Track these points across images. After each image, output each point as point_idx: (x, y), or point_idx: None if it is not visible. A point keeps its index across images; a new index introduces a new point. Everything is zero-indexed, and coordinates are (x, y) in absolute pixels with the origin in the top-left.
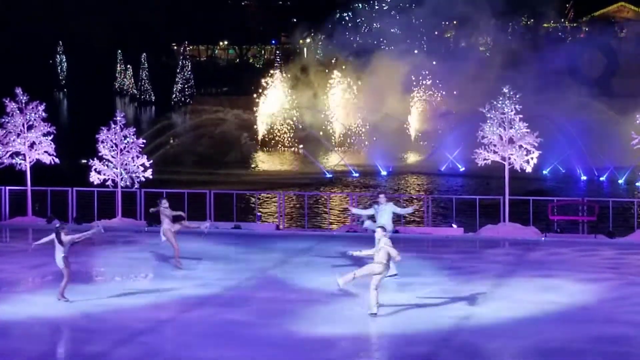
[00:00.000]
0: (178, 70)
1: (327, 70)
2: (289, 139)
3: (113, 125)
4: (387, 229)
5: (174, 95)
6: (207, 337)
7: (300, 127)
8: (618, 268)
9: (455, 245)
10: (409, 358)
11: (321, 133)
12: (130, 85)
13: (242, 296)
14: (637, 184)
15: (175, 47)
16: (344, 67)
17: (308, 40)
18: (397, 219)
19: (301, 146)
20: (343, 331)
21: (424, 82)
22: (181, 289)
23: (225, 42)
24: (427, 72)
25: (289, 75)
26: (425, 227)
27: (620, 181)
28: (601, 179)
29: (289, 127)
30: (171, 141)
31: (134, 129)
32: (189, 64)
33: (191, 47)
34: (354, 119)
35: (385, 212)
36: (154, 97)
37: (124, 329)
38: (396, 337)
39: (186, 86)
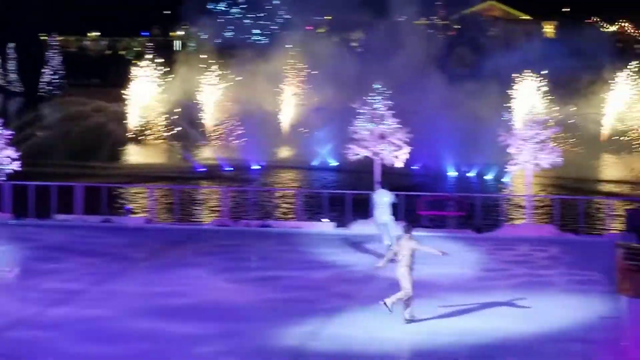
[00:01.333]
0: (47, 61)
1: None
2: (161, 132)
3: None
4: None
5: (42, 87)
6: (73, 332)
7: (173, 120)
8: (485, 262)
9: (326, 240)
10: (279, 351)
11: (194, 127)
12: None
13: (109, 290)
14: (503, 180)
15: (44, 38)
16: (216, 60)
17: (180, 32)
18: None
19: (173, 140)
20: (211, 326)
21: (297, 77)
22: (48, 282)
23: (96, 33)
24: (299, 67)
25: (160, 68)
26: (296, 222)
27: (488, 177)
28: (469, 174)
29: (161, 120)
30: (39, 133)
31: (1, 120)
32: (58, 55)
33: (61, 38)
34: (226, 113)
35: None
36: (22, 88)
37: None
38: (267, 331)
39: (55, 77)
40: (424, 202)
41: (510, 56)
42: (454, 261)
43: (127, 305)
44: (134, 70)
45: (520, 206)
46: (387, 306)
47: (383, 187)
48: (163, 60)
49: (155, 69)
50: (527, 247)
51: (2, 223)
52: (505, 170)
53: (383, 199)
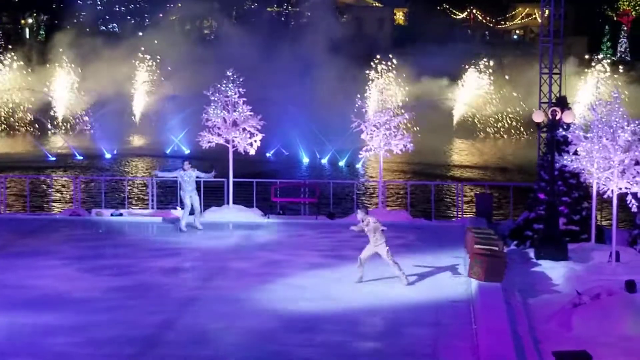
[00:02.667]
0: None
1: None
2: (11, 121)
3: None
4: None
5: None
6: None
7: (24, 109)
8: (338, 248)
9: (179, 227)
10: (133, 341)
11: (45, 116)
12: None
13: None
14: (357, 165)
15: None
16: (68, 48)
17: (30, 20)
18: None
19: (24, 129)
20: (65, 316)
21: (150, 64)
22: None
23: None
24: (152, 55)
25: (10, 56)
26: (150, 210)
27: (341, 163)
28: (323, 161)
29: (11, 110)
30: None
31: None
32: None
33: None
34: (77, 101)
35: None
36: None
37: None
38: (121, 320)
39: None
40: (278, 189)
41: (363, 42)
42: (300, 246)
43: None
44: None
45: (374, 192)
46: (406, 281)
47: (189, 166)
48: (13, 48)
49: (5, 57)
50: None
51: None
52: (359, 156)
53: (191, 178)
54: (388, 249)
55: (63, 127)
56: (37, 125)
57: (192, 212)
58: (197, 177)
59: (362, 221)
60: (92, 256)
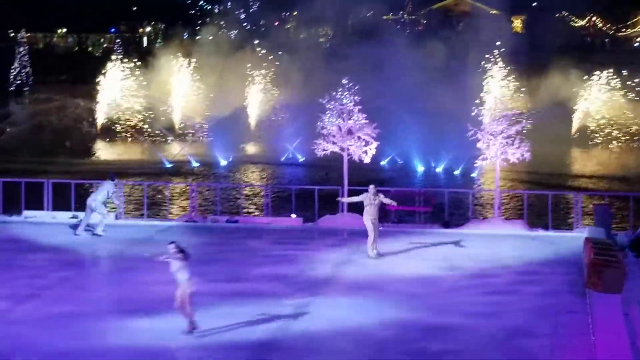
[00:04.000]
0: (15, 58)
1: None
2: (129, 128)
3: None
4: None
5: (10, 83)
6: (40, 328)
7: (142, 117)
8: (453, 258)
9: (294, 235)
10: (246, 347)
11: (163, 123)
12: None
13: (78, 286)
14: (472, 175)
15: (11, 34)
16: (185, 55)
17: (148, 28)
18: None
19: (142, 136)
20: (178, 322)
21: (265, 72)
22: (16, 279)
23: (63, 30)
24: (267, 63)
25: (129, 64)
26: (264, 217)
27: (456, 172)
28: (437, 169)
29: (129, 116)
30: (8, 129)
31: None
32: (27, 51)
33: (28, 34)
34: (195, 108)
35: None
36: None
37: None
38: (235, 326)
39: (23, 74)
40: (392, 197)
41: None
42: (421, 255)
43: (95, 300)
44: (103, 67)
45: (489, 201)
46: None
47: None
48: (132, 56)
49: (124, 65)
50: (495, 243)
51: None
52: (474, 165)
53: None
54: None
55: (180, 135)
56: (154, 133)
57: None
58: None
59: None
60: (206, 262)
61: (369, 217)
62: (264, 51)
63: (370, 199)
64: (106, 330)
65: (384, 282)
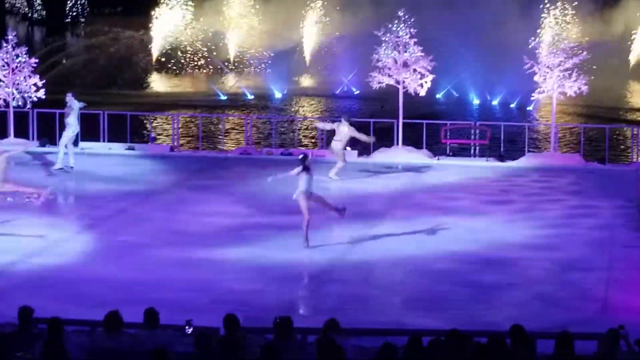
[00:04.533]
0: None
1: None
2: (184, 60)
3: (4, 45)
4: None
5: (66, 15)
6: (101, 258)
7: (198, 49)
8: (509, 191)
9: (348, 168)
10: (301, 278)
11: (218, 56)
12: (22, 4)
13: (136, 217)
14: (528, 108)
15: None
16: None
17: None
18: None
19: (197, 69)
20: (234, 253)
21: (321, 3)
22: (75, 211)
23: None
24: None
25: None
26: (319, 150)
27: (512, 105)
28: (493, 103)
29: (184, 48)
30: (64, 61)
31: (26, 48)
32: None
33: None
34: (250, 40)
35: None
36: (46, 16)
37: (17, 248)
38: (289, 260)
39: (79, 5)
40: (448, 130)
41: None
42: (476, 189)
43: (153, 231)
44: None
45: (546, 135)
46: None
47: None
48: None
49: None
50: (551, 176)
51: (28, 151)
52: (531, 98)
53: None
54: None
55: (235, 67)
56: (209, 65)
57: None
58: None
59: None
60: (262, 194)
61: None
62: None
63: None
64: (166, 261)
65: (438, 215)
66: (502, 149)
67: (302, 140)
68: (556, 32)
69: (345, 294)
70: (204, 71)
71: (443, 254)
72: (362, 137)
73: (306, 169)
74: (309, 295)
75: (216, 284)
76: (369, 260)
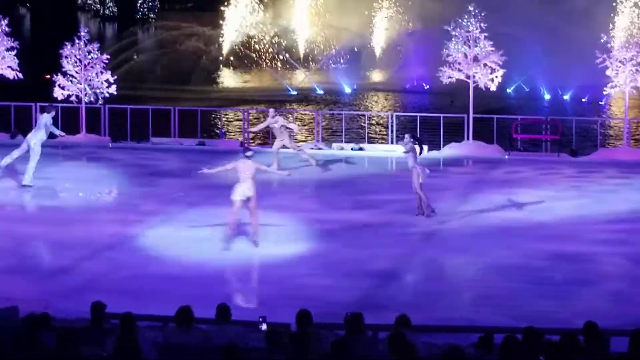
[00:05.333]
0: None
1: None
2: (255, 55)
3: (77, 41)
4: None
5: (137, 11)
6: (173, 254)
7: (268, 44)
8: (580, 186)
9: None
10: (371, 274)
11: (288, 51)
12: (94, 1)
13: (206, 213)
14: (600, 102)
15: None
16: None
17: None
18: None
19: (268, 64)
20: (306, 249)
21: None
22: (145, 204)
23: None
24: None
25: None
26: (389, 145)
27: (583, 100)
28: (565, 97)
29: (254, 44)
30: (135, 57)
31: (98, 44)
32: None
33: None
34: (320, 36)
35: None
36: (117, 13)
37: (89, 244)
38: (360, 254)
39: (150, 1)
40: (519, 125)
41: None
42: (547, 184)
43: (224, 227)
44: None
45: (618, 130)
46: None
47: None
48: None
49: None
50: (624, 171)
51: (101, 146)
52: (603, 92)
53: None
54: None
55: (305, 62)
56: (279, 60)
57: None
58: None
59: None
60: (331, 189)
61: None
62: None
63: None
64: (238, 257)
65: (508, 211)
66: (573, 144)
67: (373, 135)
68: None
69: (416, 290)
70: (274, 67)
71: (513, 249)
72: (293, 126)
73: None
74: (380, 292)
75: (288, 280)
76: (440, 256)
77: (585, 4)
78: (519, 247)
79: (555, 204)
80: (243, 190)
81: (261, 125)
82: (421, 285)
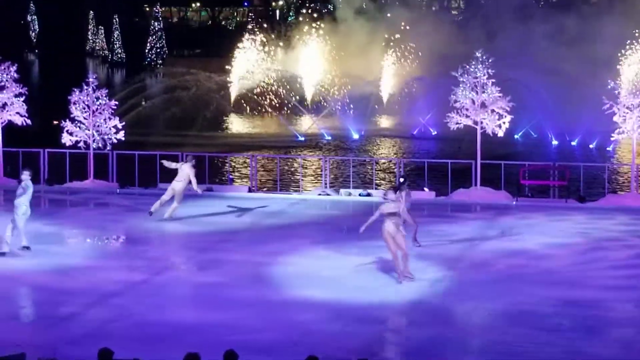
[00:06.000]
0: (150, 32)
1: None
2: (262, 101)
3: (85, 87)
4: None
5: (146, 57)
6: (180, 299)
7: (275, 90)
8: (588, 233)
9: (426, 209)
10: (378, 320)
11: (295, 97)
12: (102, 47)
13: (214, 259)
14: (607, 148)
15: (147, 9)
16: (316, 28)
17: (280, 2)
18: None
19: (275, 110)
20: (316, 294)
21: (397, 45)
22: (153, 251)
23: (197, 4)
24: (399, 36)
25: (262, 37)
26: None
27: (591, 146)
28: (572, 143)
29: (262, 90)
30: (143, 103)
31: (106, 91)
32: (161, 25)
33: (163, 9)
34: (327, 82)
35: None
36: (125, 59)
37: (96, 290)
38: (367, 301)
39: (158, 48)
40: (526, 171)
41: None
42: (555, 230)
43: (233, 273)
44: (236, 41)
45: (626, 176)
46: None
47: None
48: (265, 30)
49: (257, 38)
50: (632, 217)
51: (109, 192)
52: (610, 139)
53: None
54: None
55: (312, 108)
56: (287, 106)
57: None
58: None
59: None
60: (338, 236)
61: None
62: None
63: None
64: (244, 302)
65: (517, 257)
66: (581, 190)
67: (380, 180)
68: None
69: (425, 336)
70: (282, 112)
71: (522, 296)
72: (194, 184)
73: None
74: (387, 337)
75: (295, 325)
76: (448, 302)
77: (594, 51)
78: (527, 293)
79: (563, 250)
80: None
81: (173, 165)
82: (430, 331)
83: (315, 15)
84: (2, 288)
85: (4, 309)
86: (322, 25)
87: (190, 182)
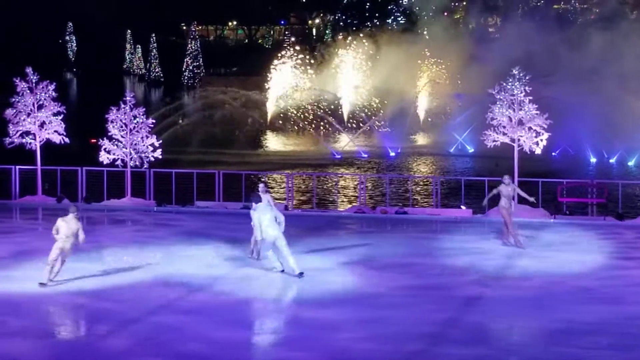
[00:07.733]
0: (187, 50)
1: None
2: (299, 119)
3: (123, 105)
4: None
5: (183, 76)
6: (216, 317)
7: (312, 108)
8: (627, 250)
9: (464, 226)
10: (415, 338)
11: (332, 114)
12: (140, 65)
13: (251, 276)
14: None
15: (184, 27)
16: (353, 47)
17: (317, 20)
18: None
19: (312, 128)
20: (349, 312)
21: (434, 62)
22: (190, 269)
23: (234, 23)
24: (437, 54)
25: (298, 56)
26: (434, 208)
27: (630, 163)
28: (611, 160)
29: (298, 108)
30: (180, 121)
31: (144, 109)
32: (198, 44)
33: (200, 27)
34: (364, 100)
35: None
36: (163, 77)
37: (134, 308)
38: (404, 317)
39: (195, 66)
40: (564, 189)
41: None
42: (593, 248)
43: (267, 291)
44: (273, 59)
45: None
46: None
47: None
48: (302, 48)
49: (294, 57)
50: None
51: (145, 210)
52: None
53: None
54: None
55: (349, 126)
56: (324, 124)
57: None
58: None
59: None
60: (377, 253)
61: None
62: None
63: None
64: (280, 321)
65: (554, 274)
66: (620, 208)
67: (417, 198)
68: None
69: (461, 354)
70: (319, 130)
71: (559, 313)
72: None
73: None
74: (423, 356)
75: (330, 344)
76: (484, 320)
77: (632, 66)
78: (565, 311)
79: (601, 267)
80: None
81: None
82: (465, 349)
83: (350, 34)
84: (39, 306)
85: (42, 327)
86: (359, 43)
87: None
